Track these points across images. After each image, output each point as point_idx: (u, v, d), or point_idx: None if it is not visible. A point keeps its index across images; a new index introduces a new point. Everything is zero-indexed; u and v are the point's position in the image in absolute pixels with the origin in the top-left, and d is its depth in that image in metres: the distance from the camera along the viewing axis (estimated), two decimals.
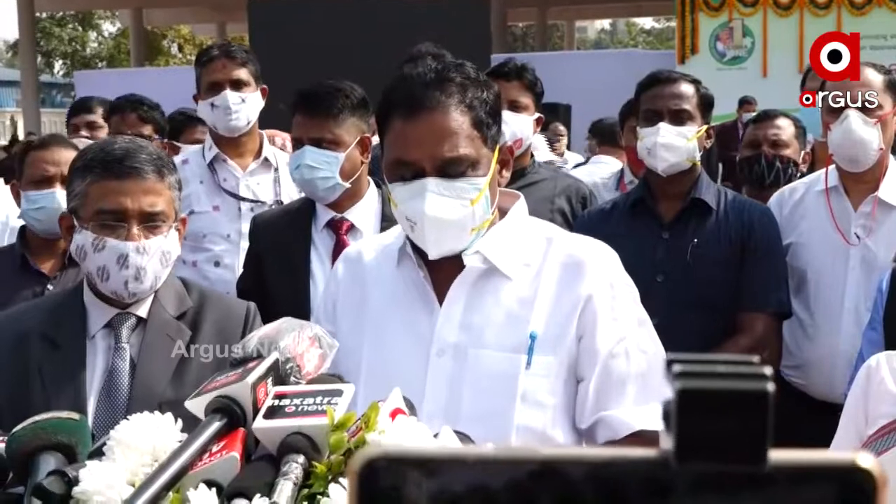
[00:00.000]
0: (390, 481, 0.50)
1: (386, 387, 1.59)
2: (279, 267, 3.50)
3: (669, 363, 0.51)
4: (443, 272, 2.14)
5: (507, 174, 2.19)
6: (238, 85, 4.24)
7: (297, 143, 3.55)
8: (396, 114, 2.08)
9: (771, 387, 0.50)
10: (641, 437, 2.06)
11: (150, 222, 2.42)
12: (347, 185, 3.50)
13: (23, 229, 3.71)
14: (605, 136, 7.04)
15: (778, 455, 0.50)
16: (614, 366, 2.09)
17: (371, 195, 3.58)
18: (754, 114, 10.41)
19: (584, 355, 2.09)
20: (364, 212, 3.55)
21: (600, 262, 2.15)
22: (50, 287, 3.46)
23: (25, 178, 3.64)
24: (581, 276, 2.10)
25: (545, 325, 2.09)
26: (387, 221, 3.39)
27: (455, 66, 2.12)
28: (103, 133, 5.18)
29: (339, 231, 3.51)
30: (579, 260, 2.13)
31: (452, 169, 2.05)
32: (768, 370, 0.51)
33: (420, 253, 2.16)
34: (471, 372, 2.09)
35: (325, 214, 3.54)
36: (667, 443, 0.51)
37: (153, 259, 2.42)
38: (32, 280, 3.52)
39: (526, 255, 2.15)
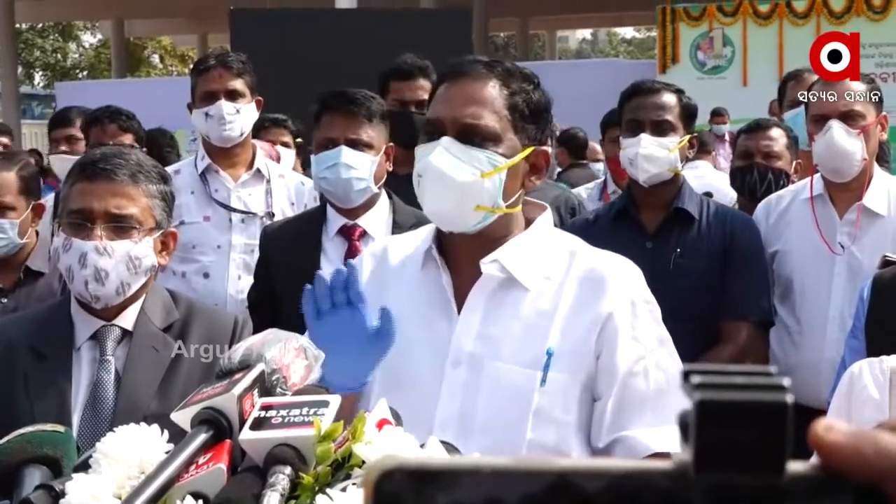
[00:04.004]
0: (406, 493, 0.49)
1: (400, 390, 1.59)
2: (288, 274, 3.44)
3: (687, 374, 0.51)
4: (464, 279, 2.12)
5: (536, 181, 2.18)
6: (233, 95, 4.20)
7: (327, 144, 3.49)
8: (443, 81, 2.14)
9: (790, 398, 0.50)
10: (660, 459, 2.05)
11: (117, 224, 2.40)
12: (377, 189, 3.53)
13: None
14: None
15: (796, 466, 0.50)
16: (633, 385, 2.06)
17: (383, 203, 3.58)
18: (726, 125, 10.48)
19: (602, 374, 2.06)
20: (376, 219, 3.55)
21: (622, 279, 2.11)
22: (4, 301, 3.41)
23: None
24: (602, 293, 2.07)
25: (563, 340, 2.06)
26: (397, 229, 3.38)
27: (510, 63, 2.18)
28: (81, 146, 5.15)
29: (352, 237, 3.50)
30: (601, 276, 2.09)
31: (470, 135, 2.05)
32: (787, 381, 0.50)
33: (445, 257, 2.15)
34: (486, 383, 2.06)
35: (336, 221, 3.53)
36: (685, 454, 0.51)
37: (118, 263, 2.39)
38: None
39: (547, 267, 2.11)
